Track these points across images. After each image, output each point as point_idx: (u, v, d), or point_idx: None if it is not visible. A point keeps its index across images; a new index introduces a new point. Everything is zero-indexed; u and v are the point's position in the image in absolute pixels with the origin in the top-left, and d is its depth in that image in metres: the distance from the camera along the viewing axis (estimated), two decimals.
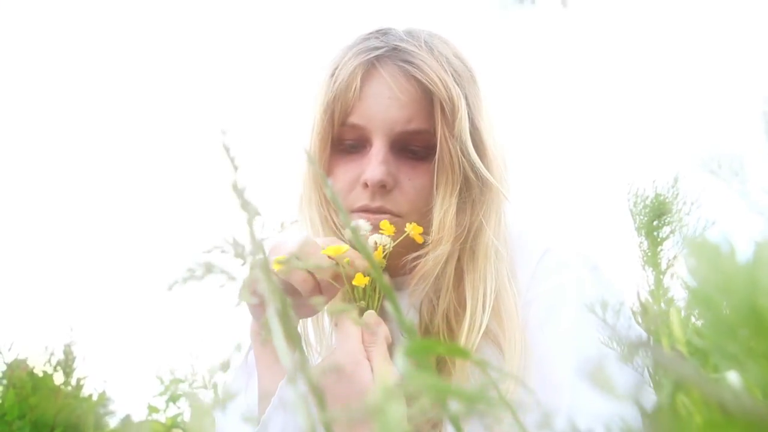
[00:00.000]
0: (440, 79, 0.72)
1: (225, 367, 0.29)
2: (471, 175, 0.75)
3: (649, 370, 0.38)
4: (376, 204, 0.73)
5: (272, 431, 0.64)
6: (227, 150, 0.31)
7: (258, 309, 0.68)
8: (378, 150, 0.73)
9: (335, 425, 0.63)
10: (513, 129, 0.81)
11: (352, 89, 0.73)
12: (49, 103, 3.99)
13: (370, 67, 0.74)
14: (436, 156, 0.74)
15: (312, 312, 0.71)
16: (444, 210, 0.74)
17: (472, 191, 0.75)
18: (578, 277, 0.74)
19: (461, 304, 0.74)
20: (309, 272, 0.63)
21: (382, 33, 0.78)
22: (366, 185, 0.73)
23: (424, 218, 0.75)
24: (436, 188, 0.75)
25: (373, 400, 0.21)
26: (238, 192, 0.30)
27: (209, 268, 0.27)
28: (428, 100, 0.73)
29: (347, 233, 0.75)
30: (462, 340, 0.71)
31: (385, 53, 0.75)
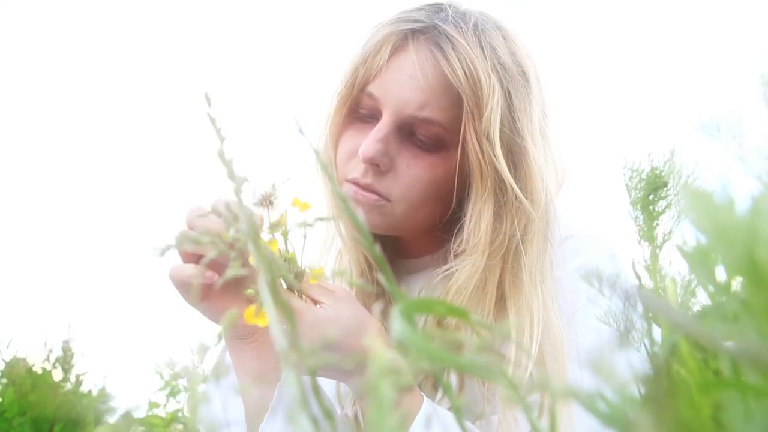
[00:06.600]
0: (467, 72, 0.68)
1: (217, 339, 0.29)
2: (505, 182, 0.69)
3: (646, 346, 0.38)
4: (366, 181, 0.70)
5: None
6: (213, 120, 0.30)
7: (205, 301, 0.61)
8: (381, 127, 0.70)
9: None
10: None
11: (378, 57, 0.70)
12: (40, 96, 3.97)
13: (402, 40, 0.71)
14: (459, 152, 0.69)
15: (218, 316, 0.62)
16: (476, 215, 0.70)
17: (508, 201, 0.69)
18: (594, 263, 0.72)
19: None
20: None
21: (435, 8, 0.73)
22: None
23: (416, 211, 0.73)
24: (469, 191, 0.71)
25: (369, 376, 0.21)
26: (225, 162, 0.29)
27: (199, 238, 0.27)
28: (452, 92, 0.69)
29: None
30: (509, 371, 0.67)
31: (423, 29, 0.71)
